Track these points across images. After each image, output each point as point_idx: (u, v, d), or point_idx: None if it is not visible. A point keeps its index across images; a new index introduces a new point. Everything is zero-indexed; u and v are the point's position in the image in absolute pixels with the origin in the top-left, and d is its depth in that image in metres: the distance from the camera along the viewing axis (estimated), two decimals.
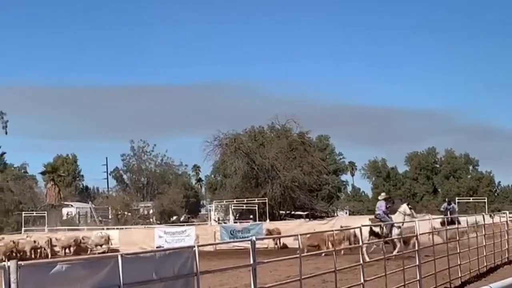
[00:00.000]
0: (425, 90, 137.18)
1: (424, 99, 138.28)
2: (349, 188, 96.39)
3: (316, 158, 61.56)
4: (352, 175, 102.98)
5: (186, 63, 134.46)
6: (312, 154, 61.97)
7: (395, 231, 26.22)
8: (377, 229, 25.91)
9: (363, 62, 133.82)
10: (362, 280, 14.34)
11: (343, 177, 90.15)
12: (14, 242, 43.37)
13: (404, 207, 29.49)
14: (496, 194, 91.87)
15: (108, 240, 46.89)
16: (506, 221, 28.67)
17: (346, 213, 70.83)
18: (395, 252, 22.46)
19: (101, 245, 46.16)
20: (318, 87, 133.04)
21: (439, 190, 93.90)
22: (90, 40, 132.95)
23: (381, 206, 29.31)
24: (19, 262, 6.99)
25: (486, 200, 55.22)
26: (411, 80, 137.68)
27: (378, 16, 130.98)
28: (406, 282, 15.94)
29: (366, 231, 26.15)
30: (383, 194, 32.33)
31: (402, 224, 25.81)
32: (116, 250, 42.04)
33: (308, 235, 32.22)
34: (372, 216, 30.87)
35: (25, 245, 43.87)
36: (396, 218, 28.46)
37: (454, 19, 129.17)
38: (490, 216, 29.04)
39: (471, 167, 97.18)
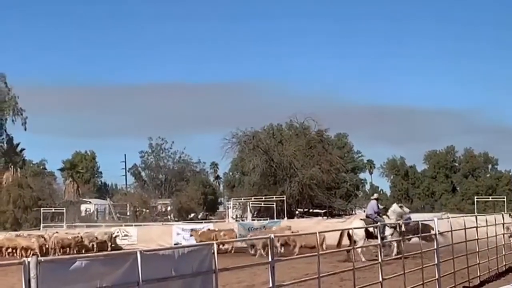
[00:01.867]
0: (445, 89, 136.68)
1: (443, 98, 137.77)
2: (367, 187, 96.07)
3: (335, 156, 61.49)
4: (371, 173, 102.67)
5: (206, 61, 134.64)
6: (331, 152, 61.92)
7: (388, 231, 25.96)
8: (372, 230, 25.27)
9: (384, 62, 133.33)
10: (380, 279, 14.27)
11: (362, 175, 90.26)
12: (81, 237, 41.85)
13: (394, 207, 29.34)
14: None
15: (111, 238, 43.68)
16: None
17: (364, 211, 70.58)
18: (393, 255, 22.29)
19: (102, 243, 42.17)
20: (338, 86, 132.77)
21: (458, 189, 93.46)
22: (109, 39, 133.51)
23: (373, 206, 29.00)
24: (38, 258, 7.01)
25: (505, 199, 54.74)
26: (430, 79, 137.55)
27: (398, 17, 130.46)
28: (425, 281, 15.86)
29: (361, 232, 25.94)
30: (375, 194, 32.11)
31: (399, 226, 25.40)
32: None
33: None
34: (364, 217, 30.51)
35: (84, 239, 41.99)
36: (389, 217, 28.20)
37: (474, 18, 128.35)
38: (510, 215, 28.84)
39: (490, 166, 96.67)
